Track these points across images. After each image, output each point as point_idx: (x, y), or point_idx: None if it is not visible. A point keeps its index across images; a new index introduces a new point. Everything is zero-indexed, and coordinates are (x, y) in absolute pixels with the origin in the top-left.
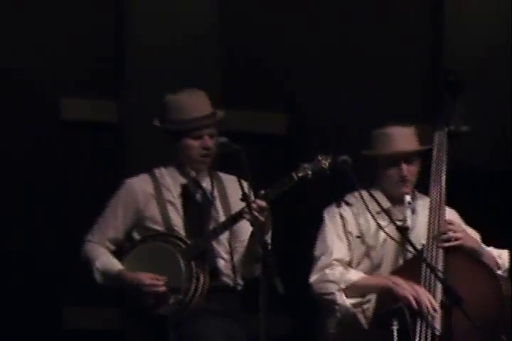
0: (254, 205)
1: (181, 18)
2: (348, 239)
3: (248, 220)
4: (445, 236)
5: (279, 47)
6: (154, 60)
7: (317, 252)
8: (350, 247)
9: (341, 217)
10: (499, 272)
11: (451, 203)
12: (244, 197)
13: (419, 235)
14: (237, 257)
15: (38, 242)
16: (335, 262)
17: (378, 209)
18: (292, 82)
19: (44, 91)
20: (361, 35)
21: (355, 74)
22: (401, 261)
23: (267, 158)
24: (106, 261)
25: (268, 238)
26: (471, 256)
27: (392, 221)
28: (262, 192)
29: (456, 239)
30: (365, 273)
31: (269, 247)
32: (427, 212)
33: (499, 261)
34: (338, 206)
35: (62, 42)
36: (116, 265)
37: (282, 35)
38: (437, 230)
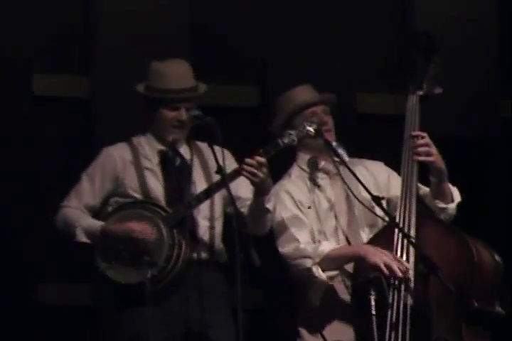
0: (252, 162)
1: None
2: (299, 209)
3: (246, 177)
4: (422, 149)
5: (249, 20)
6: (124, 35)
7: (279, 230)
8: (305, 216)
9: (286, 191)
10: (452, 205)
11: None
12: (219, 170)
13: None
14: (218, 224)
15: (11, 218)
16: (301, 237)
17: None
18: (262, 54)
19: (16, 67)
20: (329, 4)
21: (326, 44)
22: (352, 211)
23: (240, 131)
24: (88, 219)
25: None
26: (442, 223)
27: (366, 189)
28: (261, 150)
29: (430, 155)
30: (330, 233)
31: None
32: None
33: (454, 193)
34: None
35: (32, 19)
36: (98, 222)
37: (252, 8)
38: (409, 198)
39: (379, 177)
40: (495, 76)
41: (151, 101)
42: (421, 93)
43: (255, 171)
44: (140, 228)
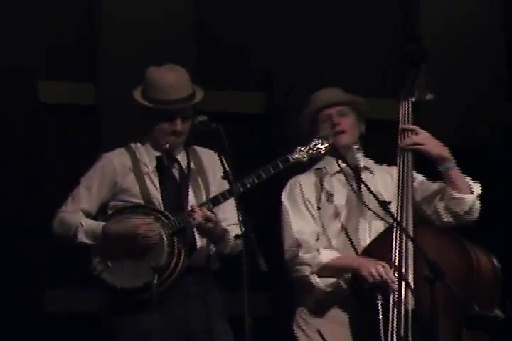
0: (197, 214)
1: None
2: (306, 206)
3: (192, 225)
4: (407, 141)
5: (255, 27)
6: (130, 41)
7: (285, 235)
8: (313, 216)
9: (299, 187)
10: (470, 196)
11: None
12: (226, 175)
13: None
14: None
15: (18, 225)
16: (304, 243)
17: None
18: (268, 61)
19: (22, 74)
20: (335, 13)
21: (332, 51)
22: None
23: (246, 137)
24: (88, 220)
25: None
26: (441, 229)
27: (373, 195)
28: (207, 201)
29: (418, 144)
30: (333, 236)
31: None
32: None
33: (473, 186)
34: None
35: (38, 27)
36: (100, 222)
37: (254, 13)
38: (406, 205)
39: None
40: (501, 81)
41: (147, 109)
42: (413, 99)
43: (202, 222)
44: (144, 223)
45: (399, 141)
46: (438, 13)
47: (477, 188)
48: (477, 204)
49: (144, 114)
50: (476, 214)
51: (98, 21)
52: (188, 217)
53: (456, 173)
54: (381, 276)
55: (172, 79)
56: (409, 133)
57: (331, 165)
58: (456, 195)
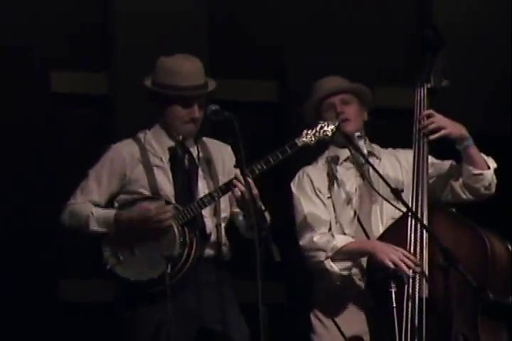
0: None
1: None
2: (317, 196)
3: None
4: (431, 127)
5: (269, 13)
6: (142, 30)
7: (298, 221)
8: (324, 205)
9: (308, 177)
10: (489, 171)
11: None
12: (238, 164)
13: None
14: (224, 220)
15: (32, 215)
16: (317, 228)
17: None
18: (282, 49)
19: (33, 64)
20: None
21: (346, 39)
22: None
23: (258, 126)
24: (99, 209)
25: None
26: (455, 216)
27: (385, 182)
28: (248, 169)
29: (441, 128)
30: (346, 224)
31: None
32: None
33: (488, 160)
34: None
35: (50, 16)
36: (111, 210)
37: (269, 2)
38: (421, 190)
39: (411, 166)
40: None
41: (162, 97)
42: (429, 86)
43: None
44: (156, 205)
45: (414, 129)
46: (455, 2)
47: (492, 162)
48: (494, 179)
49: (157, 102)
50: (493, 189)
51: (111, 10)
52: (234, 187)
53: (474, 150)
54: (402, 261)
55: (191, 67)
56: (426, 119)
57: (338, 153)
58: (476, 171)
